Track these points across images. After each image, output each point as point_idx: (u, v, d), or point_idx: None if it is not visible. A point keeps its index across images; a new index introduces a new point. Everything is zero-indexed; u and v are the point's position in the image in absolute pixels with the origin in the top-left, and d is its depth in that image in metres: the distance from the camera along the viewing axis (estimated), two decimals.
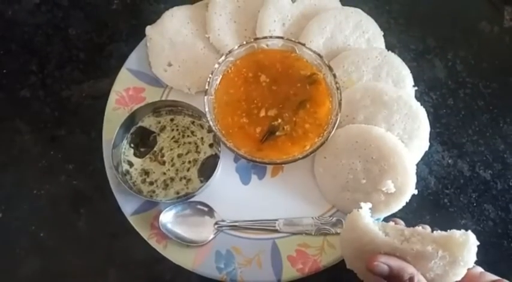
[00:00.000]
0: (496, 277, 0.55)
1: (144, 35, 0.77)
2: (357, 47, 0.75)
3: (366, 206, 0.55)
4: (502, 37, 0.85)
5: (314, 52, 0.69)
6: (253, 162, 0.66)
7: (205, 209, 0.70)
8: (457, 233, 0.50)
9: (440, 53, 0.83)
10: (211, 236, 0.69)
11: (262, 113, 0.68)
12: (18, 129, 0.79)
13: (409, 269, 0.50)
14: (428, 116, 0.70)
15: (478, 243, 0.50)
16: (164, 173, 0.71)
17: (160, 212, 0.68)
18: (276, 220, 0.69)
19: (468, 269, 0.52)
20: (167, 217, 0.68)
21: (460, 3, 0.87)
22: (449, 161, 0.77)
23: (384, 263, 0.50)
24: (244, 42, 0.70)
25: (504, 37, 0.85)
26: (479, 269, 0.57)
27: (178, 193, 0.70)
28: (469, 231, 0.50)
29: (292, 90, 0.69)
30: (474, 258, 0.50)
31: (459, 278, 0.51)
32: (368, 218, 0.54)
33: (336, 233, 0.68)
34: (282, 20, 0.76)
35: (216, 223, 0.69)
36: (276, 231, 0.69)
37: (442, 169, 0.77)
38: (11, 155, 0.78)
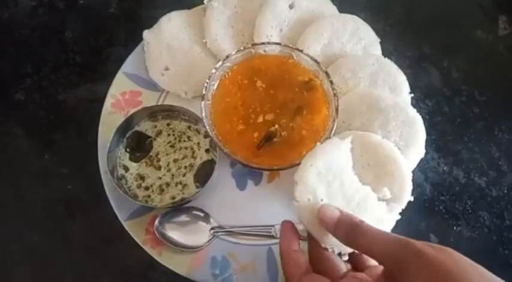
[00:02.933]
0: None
1: (141, 39, 0.77)
2: (353, 53, 0.75)
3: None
4: (496, 45, 0.86)
5: (311, 58, 0.69)
6: (250, 168, 0.66)
7: (201, 214, 0.70)
8: None
9: (436, 60, 0.84)
10: (207, 242, 0.68)
11: (260, 119, 0.68)
12: (12, 132, 0.79)
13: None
14: (424, 123, 0.70)
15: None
16: (160, 178, 0.71)
17: (155, 217, 0.68)
18: (273, 226, 0.69)
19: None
20: (162, 222, 0.68)
21: (455, 12, 0.88)
22: (445, 168, 0.77)
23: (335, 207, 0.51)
24: (242, 48, 0.70)
25: (498, 45, 0.86)
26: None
27: (173, 198, 0.70)
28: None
29: (290, 95, 0.69)
30: None
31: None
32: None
33: None
34: (280, 26, 0.76)
35: (211, 229, 0.69)
36: (273, 237, 0.68)
37: (437, 176, 0.77)
38: (5, 159, 0.77)
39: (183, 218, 0.69)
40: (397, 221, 0.69)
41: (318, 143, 0.60)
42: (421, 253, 0.41)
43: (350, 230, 0.48)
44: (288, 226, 0.54)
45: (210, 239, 0.68)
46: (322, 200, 0.56)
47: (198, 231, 0.69)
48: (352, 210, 0.55)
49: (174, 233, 0.68)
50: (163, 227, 0.68)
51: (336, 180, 0.58)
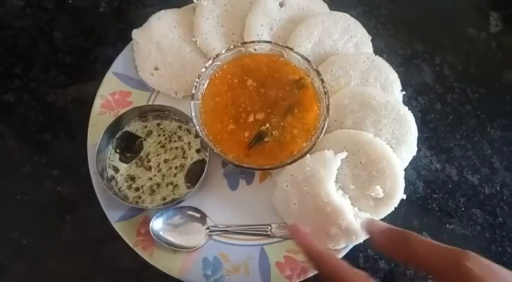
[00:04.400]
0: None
1: (131, 39, 0.76)
2: (345, 51, 0.75)
3: None
4: (488, 42, 0.85)
5: (302, 57, 0.69)
6: (241, 167, 0.65)
7: (197, 214, 0.69)
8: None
9: (428, 58, 0.84)
10: (203, 241, 0.68)
11: (251, 118, 0.67)
12: (1, 133, 0.78)
13: None
14: (416, 120, 0.69)
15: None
16: (150, 179, 0.70)
17: (146, 218, 0.67)
18: (269, 225, 0.68)
19: None
20: (158, 224, 0.67)
21: (447, 9, 0.87)
22: (438, 165, 0.77)
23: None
24: (232, 47, 0.69)
25: (491, 42, 0.85)
26: None
27: (164, 199, 0.69)
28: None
29: (280, 94, 0.69)
30: None
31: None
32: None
33: None
34: (270, 24, 0.76)
35: (207, 228, 0.68)
36: (268, 236, 0.68)
37: (430, 174, 0.77)
38: None
39: (179, 218, 0.69)
40: (390, 219, 0.69)
41: (307, 155, 0.64)
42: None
43: (400, 238, 0.49)
44: (293, 226, 0.60)
45: (207, 239, 0.68)
46: (294, 204, 0.63)
47: (193, 231, 0.68)
48: (320, 220, 0.61)
49: (169, 234, 0.67)
50: (158, 227, 0.67)
51: (311, 191, 0.62)
